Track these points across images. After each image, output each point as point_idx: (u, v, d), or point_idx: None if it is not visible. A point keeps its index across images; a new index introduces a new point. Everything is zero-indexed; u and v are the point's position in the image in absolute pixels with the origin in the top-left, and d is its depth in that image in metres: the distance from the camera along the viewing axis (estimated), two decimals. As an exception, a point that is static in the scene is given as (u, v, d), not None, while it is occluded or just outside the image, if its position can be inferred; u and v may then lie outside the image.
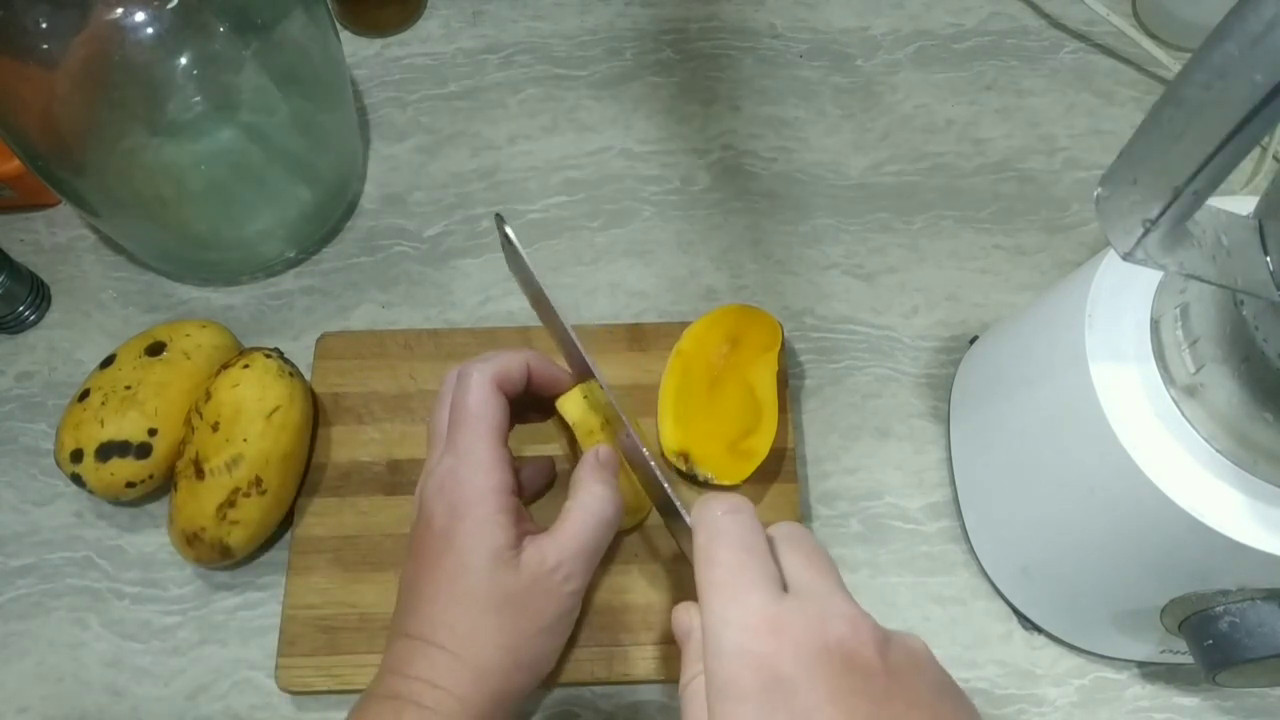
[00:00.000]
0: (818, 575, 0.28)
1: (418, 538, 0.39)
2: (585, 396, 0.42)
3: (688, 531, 0.33)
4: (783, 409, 0.48)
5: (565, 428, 0.43)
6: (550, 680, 0.44)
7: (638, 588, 0.46)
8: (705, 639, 0.27)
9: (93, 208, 0.50)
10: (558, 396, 0.42)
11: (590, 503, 0.39)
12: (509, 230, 0.40)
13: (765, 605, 0.27)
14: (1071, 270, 0.44)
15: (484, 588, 0.36)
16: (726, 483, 0.46)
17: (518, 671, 0.37)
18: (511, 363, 0.40)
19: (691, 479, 0.47)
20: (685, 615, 0.30)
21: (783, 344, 0.49)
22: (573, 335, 0.40)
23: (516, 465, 0.40)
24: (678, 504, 0.36)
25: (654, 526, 0.47)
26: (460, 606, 0.36)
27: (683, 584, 0.46)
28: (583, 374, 0.42)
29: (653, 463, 0.38)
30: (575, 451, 0.43)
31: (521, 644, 0.37)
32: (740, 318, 0.50)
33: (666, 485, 0.37)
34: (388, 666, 0.37)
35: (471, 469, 0.38)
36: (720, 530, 0.29)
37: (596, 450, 0.40)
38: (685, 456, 0.47)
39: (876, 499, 0.50)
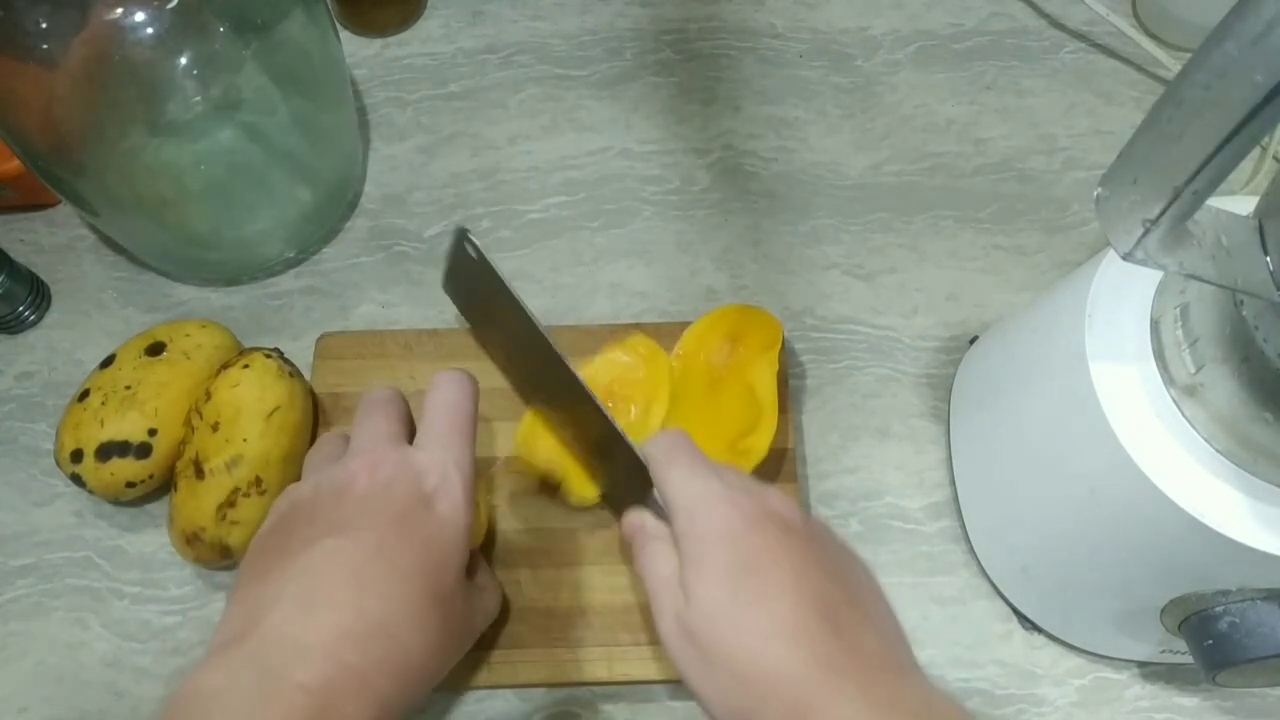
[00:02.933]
0: (751, 479, 0.38)
1: (382, 508, 0.35)
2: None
3: (629, 463, 0.39)
4: (783, 409, 0.49)
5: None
6: (551, 680, 0.45)
7: (637, 588, 0.46)
8: (673, 510, 0.35)
9: (93, 208, 0.50)
10: None
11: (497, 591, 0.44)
12: (474, 241, 0.41)
13: (720, 487, 0.35)
14: (1071, 270, 0.44)
15: (449, 589, 0.36)
16: (726, 483, 0.46)
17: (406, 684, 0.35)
18: (474, 386, 0.41)
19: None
20: (636, 516, 0.38)
21: (783, 344, 0.49)
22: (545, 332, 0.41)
23: None
24: (616, 426, 0.40)
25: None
26: (422, 596, 0.35)
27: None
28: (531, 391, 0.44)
29: (593, 395, 0.41)
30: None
31: (425, 664, 0.36)
32: (741, 318, 0.50)
33: (608, 415, 0.40)
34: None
35: (461, 474, 0.38)
36: (675, 444, 0.37)
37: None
38: (685, 456, 0.47)
39: (876, 499, 0.50)
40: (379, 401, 0.41)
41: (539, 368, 0.43)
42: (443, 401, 0.39)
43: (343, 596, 0.33)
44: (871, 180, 0.59)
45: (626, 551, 0.47)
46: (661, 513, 0.37)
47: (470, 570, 0.39)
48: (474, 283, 0.43)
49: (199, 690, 0.31)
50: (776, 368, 0.49)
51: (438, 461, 0.37)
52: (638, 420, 0.48)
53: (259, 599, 0.34)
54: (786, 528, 0.34)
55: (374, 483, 0.36)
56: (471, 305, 0.45)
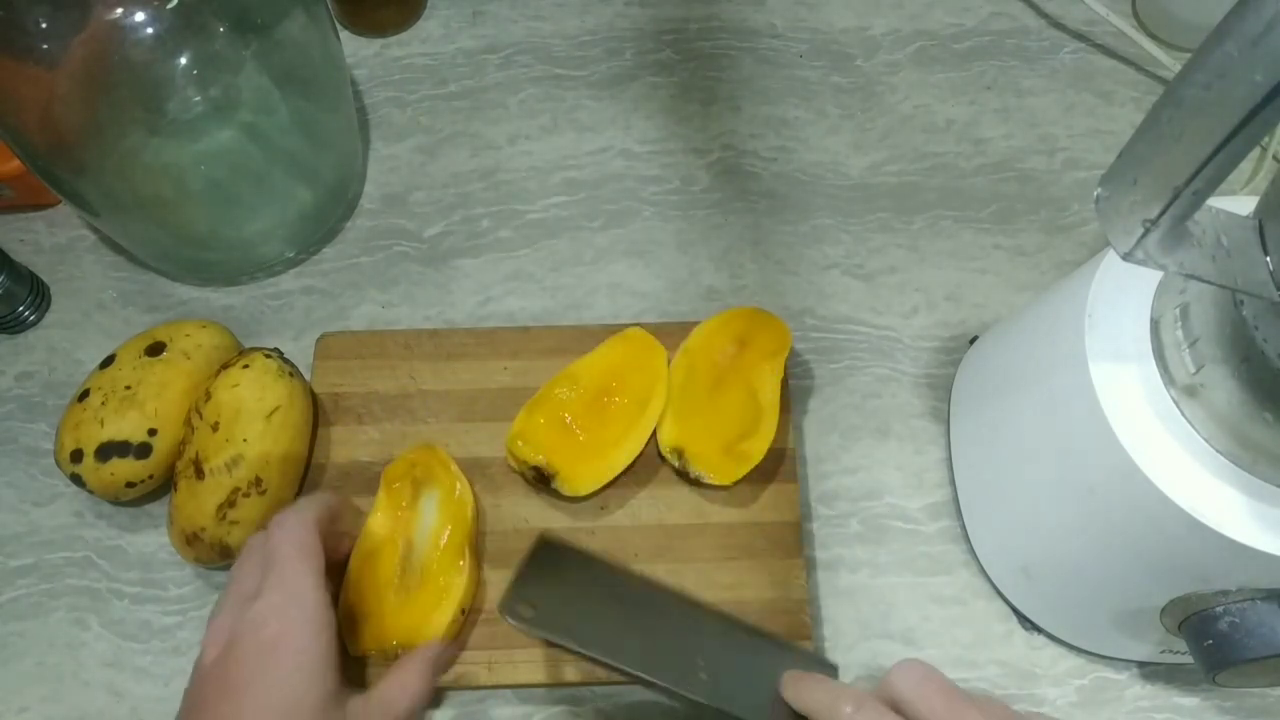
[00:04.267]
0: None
1: (228, 674, 0.36)
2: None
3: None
4: (783, 409, 0.49)
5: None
6: (551, 680, 0.44)
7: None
8: None
9: (93, 208, 0.50)
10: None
11: (416, 688, 0.40)
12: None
13: None
14: (1071, 270, 0.44)
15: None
16: (718, 482, 0.46)
17: None
18: (322, 506, 0.42)
19: (683, 475, 0.47)
20: None
21: (790, 350, 0.49)
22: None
23: None
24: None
25: (648, 527, 0.47)
26: None
27: (681, 584, 0.46)
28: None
29: None
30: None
31: None
32: (751, 321, 0.50)
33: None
34: None
35: (303, 608, 0.38)
36: (930, 679, 0.34)
37: (432, 645, 0.43)
38: (679, 452, 0.47)
39: (876, 499, 0.50)
40: (242, 557, 0.41)
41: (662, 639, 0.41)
42: (273, 546, 0.40)
43: None
44: (871, 180, 0.59)
45: (626, 552, 0.47)
46: None
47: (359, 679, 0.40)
48: (561, 577, 0.42)
49: None
50: (781, 374, 0.49)
51: (275, 605, 0.38)
52: (634, 413, 0.48)
53: None
54: None
55: (220, 650, 0.37)
56: (555, 604, 0.42)
